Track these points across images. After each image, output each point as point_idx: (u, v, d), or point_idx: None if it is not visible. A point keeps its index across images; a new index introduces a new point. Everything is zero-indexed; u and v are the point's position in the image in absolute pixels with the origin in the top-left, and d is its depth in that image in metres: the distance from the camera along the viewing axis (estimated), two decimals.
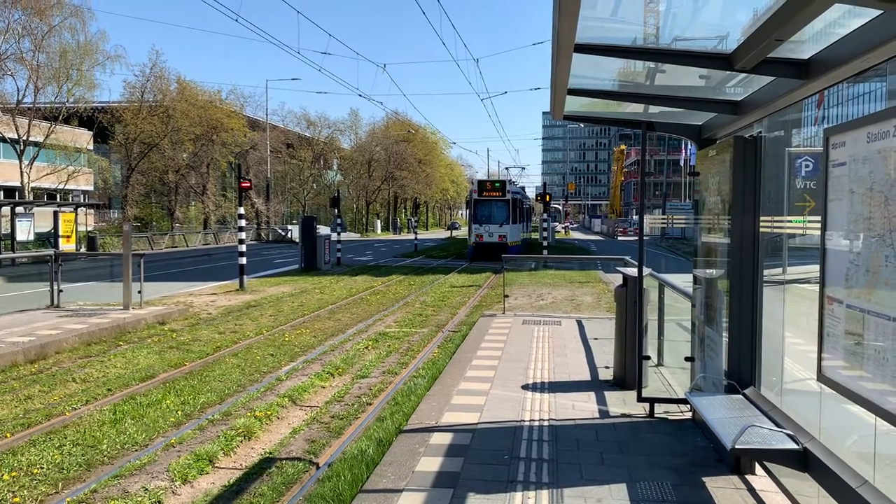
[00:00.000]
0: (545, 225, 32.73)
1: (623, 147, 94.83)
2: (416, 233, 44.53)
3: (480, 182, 33.56)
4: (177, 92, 50.14)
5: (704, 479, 4.91)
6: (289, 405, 7.70)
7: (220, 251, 40.64)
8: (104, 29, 55.00)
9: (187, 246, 46.25)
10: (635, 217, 70.57)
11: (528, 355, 9.16)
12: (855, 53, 3.20)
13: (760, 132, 5.13)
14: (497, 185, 32.61)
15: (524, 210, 38.87)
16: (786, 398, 4.67)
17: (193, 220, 56.43)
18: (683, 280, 7.83)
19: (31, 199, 37.16)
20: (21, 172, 38.09)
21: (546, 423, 6.21)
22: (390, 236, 71.34)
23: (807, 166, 4.78)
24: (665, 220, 56.97)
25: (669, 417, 6.38)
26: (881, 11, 2.86)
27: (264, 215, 59.86)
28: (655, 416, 6.41)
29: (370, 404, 7.70)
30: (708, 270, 5.80)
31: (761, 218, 4.97)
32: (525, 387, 7.52)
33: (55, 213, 32.12)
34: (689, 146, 53.82)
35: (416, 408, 6.77)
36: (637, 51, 4.43)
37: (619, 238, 61.65)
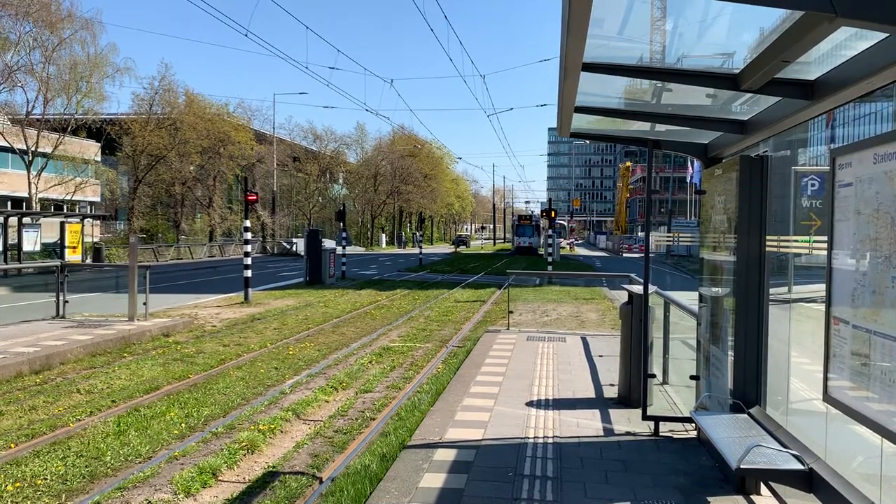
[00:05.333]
0: (550, 241, 32.75)
1: (628, 164, 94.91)
2: (420, 247, 44.58)
3: (520, 216, 66.12)
4: (185, 105, 50.54)
5: (709, 498, 4.88)
6: (292, 419, 7.69)
7: (225, 264, 40.72)
8: (114, 42, 55.80)
9: (193, 258, 46.38)
10: (641, 234, 70.48)
11: (532, 372, 9.14)
12: (861, 75, 3.22)
13: (766, 151, 5.15)
14: (528, 217, 63.49)
15: (540, 229, 61.27)
16: (791, 418, 4.66)
17: (199, 232, 56.63)
18: (689, 298, 7.83)
19: (39, 209, 37.36)
20: (29, 183, 38.33)
21: (550, 441, 6.19)
22: (395, 250, 71.40)
23: (812, 185, 4.79)
24: (670, 238, 56.89)
25: (674, 436, 6.35)
26: (887, 34, 2.88)
27: (270, 228, 60.01)
28: (660, 434, 6.38)
29: (374, 419, 7.68)
30: (713, 289, 5.79)
31: (767, 237, 4.98)
32: (529, 404, 7.50)
33: (62, 224, 32.28)
34: (696, 164, 53.85)
35: (420, 423, 6.76)
36: (645, 70, 4.46)
37: (625, 255, 61.52)
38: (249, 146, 54.04)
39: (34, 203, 38.51)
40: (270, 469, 6.15)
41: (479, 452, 5.83)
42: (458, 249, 74.23)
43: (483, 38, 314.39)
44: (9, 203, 41.78)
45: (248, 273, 19.77)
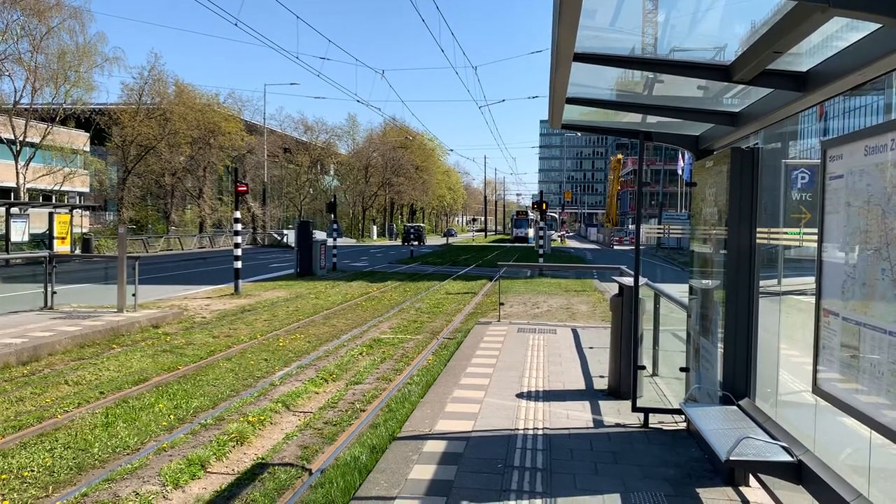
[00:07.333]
0: (541, 233, 32.72)
1: (619, 156, 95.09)
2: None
3: (517, 211, 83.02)
4: (175, 95, 50.22)
5: (699, 490, 4.89)
6: (282, 410, 7.66)
7: (215, 255, 40.56)
8: (103, 31, 55.27)
9: (182, 249, 46.18)
10: (631, 226, 70.68)
11: (522, 364, 9.14)
12: (853, 67, 3.21)
13: (757, 143, 5.14)
14: (524, 211, 77.87)
15: (532, 223, 68.49)
16: (781, 410, 4.67)
17: (189, 223, 56.39)
18: (679, 290, 7.83)
19: (27, 200, 37.08)
20: (17, 173, 38.02)
21: (540, 432, 6.19)
22: (386, 242, 71.30)
23: (803, 178, 4.80)
24: (661, 230, 57.06)
25: (664, 428, 6.36)
26: (880, 25, 2.87)
27: (260, 219, 59.82)
28: (650, 426, 6.39)
29: (364, 411, 7.67)
30: (703, 281, 5.80)
31: (758, 229, 4.98)
32: (519, 395, 7.50)
33: (50, 215, 32.07)
34: (686, 157, 53.96)
35: (410, 415, 6.75)
36: (637, 61, 4.44)
37: (615, 247, 61.71)
38: (240, 137, 53.78)
39: (22, 193, 38.21)
40: (260, 461, 6.12)
41: (469, 444, 5.82)
42: (411, 241, 62.24)
43: (475, 29, 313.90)
44: None
45: (239, 264, 19.69)
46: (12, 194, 39.20)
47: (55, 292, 14.33)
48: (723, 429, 4.47)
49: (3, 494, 5.27)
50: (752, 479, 4.91)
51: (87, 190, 49.70)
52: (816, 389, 3.44)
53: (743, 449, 3.98)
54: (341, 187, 78.71)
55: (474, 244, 68.97)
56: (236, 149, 55.24)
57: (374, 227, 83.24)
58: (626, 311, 7.33)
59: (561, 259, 39.79)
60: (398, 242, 67.20)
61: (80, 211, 38.97)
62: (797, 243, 4.94)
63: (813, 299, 3.50)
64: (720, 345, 5.15)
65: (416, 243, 60.76)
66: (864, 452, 3.34)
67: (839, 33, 3.28)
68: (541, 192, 34.32)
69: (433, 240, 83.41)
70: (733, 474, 4.97)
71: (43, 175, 40.09)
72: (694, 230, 6.16)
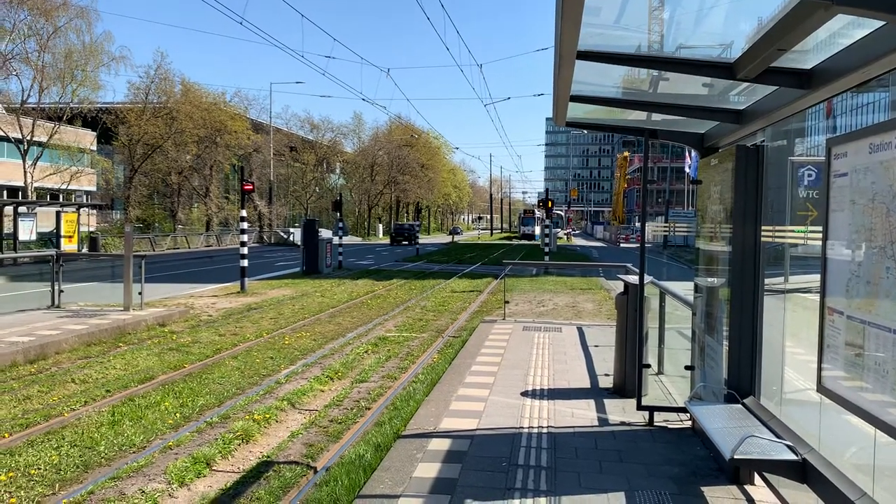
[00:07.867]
0: (547, 231, 32.67)
1: (626, 154, 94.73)
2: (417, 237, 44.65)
3: (525, 209, 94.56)
4: (181, 94, 50.33)
5: (703, 488, 4.88)
6: (287, 409, 7.68)
7: (221, 253, 40.66)
8: (109, 30, 55.48)
9: (189, 248, 46.31)
10: (638, 224, 70.53)
11: (527, 362, 9.14)
12: (858, 64, 3.19)
13: (763, 141, 5.12)
14: (531, 210, 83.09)
15: (539, 220, 70.70)
16: (785, 408, 4.66)
17: (196, 221, 56.55)
18: (684, 288, 7.82)
19: (34, 199, 37.24)
20: (24, 172, 38.18)
21: (545, 431, 6.19)
22: None
23: (809, 176, 4.77)
24: (667, 228, 56.85)
25: (669, 426, 6.35)
26: (884, 23, 2.85)
27: (266, 218, 59.93)
28: (655, 424, 6.38)
29: (369, 409, 7.68)
30: (709, 279, 5.78)
31: (763, 227, 4.96)
32: (524, 393, 7.50)
33: (57, 214, 32.18)
34: (693, 154, 53.74)
35: (415, 413, 6.76)
36: (640, 59, 4.42)
37: (622, 245, 61.57)
38: (246, 136, 53.89)
39: (30, 192, 38.38)
40: (265, 459, 6.14)
41: (474, 442, 5.83)
42: (400, 242, 56.25)
43: (480, 26, 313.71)
44: (4, 192, 41.67)
45: (245, 263, 19.74)
46: (20, 193, 39.38)
47: (62, 291, 14.38)
48: (727, 427, 4.46)
49: (10, 492, 5.30)
50: (756, 478, 4.89)
51: (93, 189, 49.87)
52: (821, 388, 3.43)
53: (747, 447, 3.97)
54: (347, 186, 78.83)
55: (480, 242, 68.94)
56: (242, 147, 55.36)
57: (380, 226, 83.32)
58: (631, 310, 7.31)
59: (567, 257, 39.69)
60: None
61: (87, 210, 39.12)
62: (802, 241, 4.92)
63: (818, 297, 3.48)
64: (725, 343, 5.14)
65: (406, 243, 53.76)
66: (869, 451, 3.32)
67: (844, 30, 3.27)
68: (546, 190, 34.29)
69: (437, 238, 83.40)
70: (738, 473, 4.96)
71: (50, 174, 40.25)
72: (699, 228, 6.15)
